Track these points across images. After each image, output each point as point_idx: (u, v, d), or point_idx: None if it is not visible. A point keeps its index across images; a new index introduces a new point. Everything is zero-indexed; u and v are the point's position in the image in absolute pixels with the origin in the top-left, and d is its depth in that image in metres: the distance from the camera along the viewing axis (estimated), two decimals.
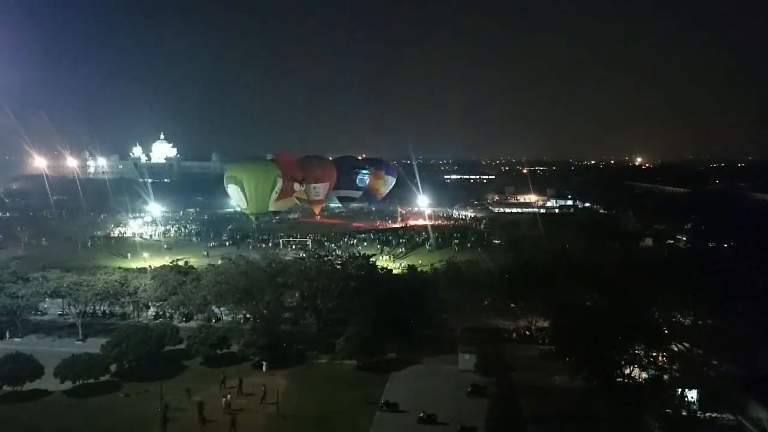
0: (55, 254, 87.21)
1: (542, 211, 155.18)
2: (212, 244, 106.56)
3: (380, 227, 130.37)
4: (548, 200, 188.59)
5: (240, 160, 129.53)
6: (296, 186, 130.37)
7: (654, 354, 37.91)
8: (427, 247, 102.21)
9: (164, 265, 67.24)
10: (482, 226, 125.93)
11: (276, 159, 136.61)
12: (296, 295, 56.92)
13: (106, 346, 47.18)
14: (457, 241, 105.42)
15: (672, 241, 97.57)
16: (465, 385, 44.33)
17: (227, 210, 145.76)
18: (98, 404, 42.12)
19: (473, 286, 56.36)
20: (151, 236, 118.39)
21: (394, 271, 66.66)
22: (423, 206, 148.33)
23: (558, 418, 39.62)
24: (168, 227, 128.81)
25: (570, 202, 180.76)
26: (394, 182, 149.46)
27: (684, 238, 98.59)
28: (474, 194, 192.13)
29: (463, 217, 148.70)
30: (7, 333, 57.00)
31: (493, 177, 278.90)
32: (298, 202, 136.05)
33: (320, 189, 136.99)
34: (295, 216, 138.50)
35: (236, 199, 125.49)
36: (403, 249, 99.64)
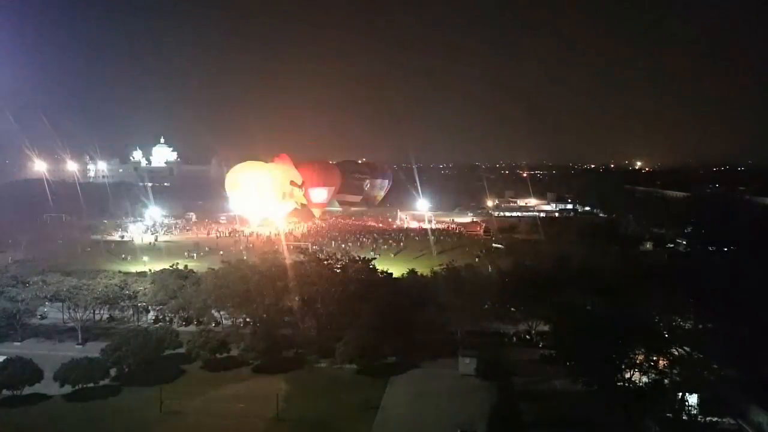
0: (55, 258, 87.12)
1: (542, 215, 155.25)
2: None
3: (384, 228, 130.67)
4: (548, 204, 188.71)
5: (242, 165, 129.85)
6: (295, 190, 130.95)
7: (654, 358, 37.85)
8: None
9: (164, 269, 67.25)
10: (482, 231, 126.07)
11: (276, 163, 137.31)
12: (296, 298, 56.88)
13: (106, 350, 47.07)
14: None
15: (672, 245, 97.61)
16: (465, 389, 44.26)
17: (229, 213, 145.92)
18: (98, 408, 42.06)
19: (473, 290, 56.30)
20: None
21: (394, 275, 66.59)
22: (423, 210, 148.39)
23: (558, 423, 39.58)
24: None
25: (570, 206, 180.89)
26: (389, 186, 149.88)
27: (684, 242, 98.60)
28: (474, 198, 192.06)
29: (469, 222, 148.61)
30: None
31: (493, 178, 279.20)
32: (298, 206, 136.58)
33: (324, 193, 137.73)
34: (296, 219, 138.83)
35: (239, 202, 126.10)
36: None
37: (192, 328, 57.45)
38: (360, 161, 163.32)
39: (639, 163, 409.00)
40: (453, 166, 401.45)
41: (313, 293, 55.39)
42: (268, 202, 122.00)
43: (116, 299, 59.62)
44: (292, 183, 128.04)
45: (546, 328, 53.95)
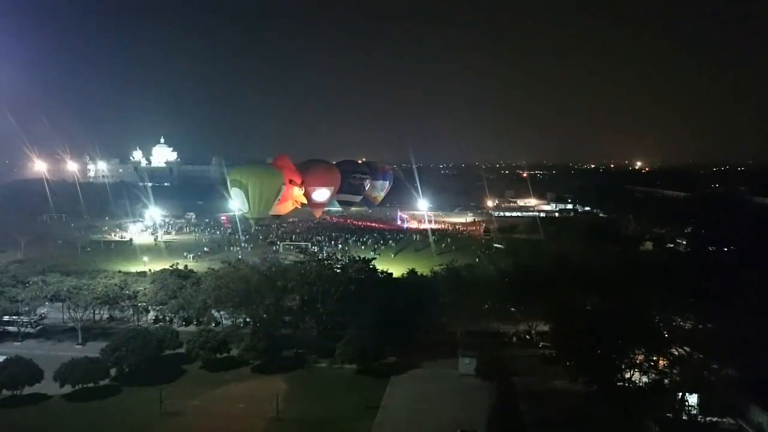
0: (55, 258, 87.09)
1: (542, 215, 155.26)
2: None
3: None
4: (548, 204, 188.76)
5: (244, 164, 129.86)
6: (296, 190, 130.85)
7: (654, 358, 37.85)
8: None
9: (164, 269, 67.24)
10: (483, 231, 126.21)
11: (275, 163, 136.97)
12: (296, 299, 56.84)
13: (106, 350, 47.15)
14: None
15: (672, 245, 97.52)
16: (465, 389, 44.23)
17: (229, 213, 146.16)
18: (98, 408, 42.09)
19: (473, 290, 56.26)
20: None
21: (394, 275, 66.55)
22: (423, 210, 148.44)
23: (558, 422, 39.58)
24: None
25: (570, 206, 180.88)
26: (389, 186, 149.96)
27: (684, 242, 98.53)
28: (474, 198, 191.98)
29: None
30: None
31: (493, 178, 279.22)
32: (299, 206, 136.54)
33: (324, 193, 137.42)
34: (295, 219, 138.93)
35: (239, 202, 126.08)
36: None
37: (192, 328, 57.45)
38: (360, 161, 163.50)
39: (639, 163, 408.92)
40: (453, 166, 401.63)
41: (313, 293, 55.35)
42: (269, 202, 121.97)
43: (116, 299, 59.61)
44: (293, 182, 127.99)
45: (546, 328, 53.92)
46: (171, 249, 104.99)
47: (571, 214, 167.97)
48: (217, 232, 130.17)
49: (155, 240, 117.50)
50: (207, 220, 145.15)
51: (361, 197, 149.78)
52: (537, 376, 46.65)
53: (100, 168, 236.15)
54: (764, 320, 35.61)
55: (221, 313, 59.67)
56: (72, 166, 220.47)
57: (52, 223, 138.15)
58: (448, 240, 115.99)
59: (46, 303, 59.97)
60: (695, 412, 34.70)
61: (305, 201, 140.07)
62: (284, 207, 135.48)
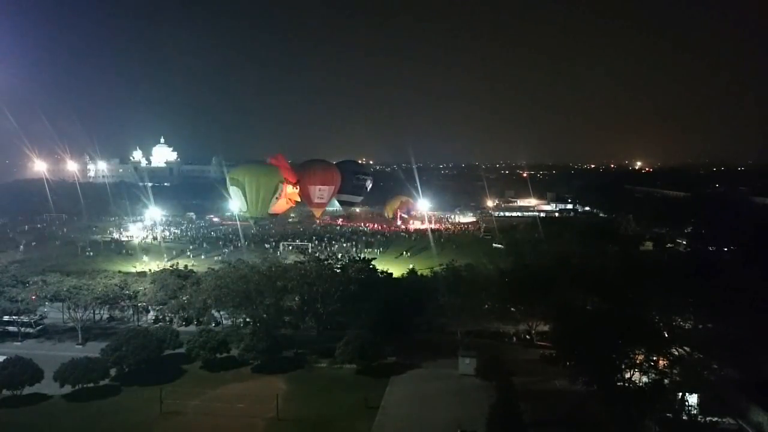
0: (55, 258, 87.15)
1: (542, 215, 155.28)
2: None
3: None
4: (548, 204, 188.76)
5: (243, 164, 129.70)
6: (290, 189, 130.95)
7: (654, 358, 37.82)
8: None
9: (164, 269, 67.25)
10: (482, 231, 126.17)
11: (270, 162, 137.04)
12: (296, 299, 56.86)
13: (106, 350, 47.15)
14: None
15: (672, 245, 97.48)
16: (465, 389, 44.22)
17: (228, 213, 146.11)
18: (98, 408, 42.09)
19: (473, 290, 56.27)
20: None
21: (395, 275, 66.62)
22: (423, 210, 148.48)
23: (558, 423, 39.59)
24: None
25: (570, 206, 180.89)
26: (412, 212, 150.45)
27: (684, 242, 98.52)
28: (474, 198, 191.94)
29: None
30: None
31: (493, 178, 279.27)
32: (293, 204, 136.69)
33: (324, 193, 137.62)
34: (294, 219, 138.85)
35: (237, 202, 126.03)
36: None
37: (192, 328, 57.47)
38: (360, 161, 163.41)
39: (639, 163, 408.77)
40: (453, 166, 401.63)
41: (313, 293, 55.37)
42: (267, 201, 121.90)
43: (116, 299, 59.64)
44: (287, 181, 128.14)
45: (546, 328, 53.91)
46: (170, 249, 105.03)
47: (571, 214, 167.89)
48: (212, 233, 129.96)
49: (153, 239, 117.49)
50: (197, 222, 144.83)
51: (362, 197, 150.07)
52: (537, 376, 46.66)
53: (100, 168, 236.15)
54: (764, 320, 35.58)
55: (221, 313, 59.68)
56: (72, 166, 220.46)
57: (52, 223, 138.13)
58: (449, 240, 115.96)
59: (46, 303, 60.00)
60: (695, 412, 34.65)
61: (299, 199, 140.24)
62: (279, 206, 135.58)
